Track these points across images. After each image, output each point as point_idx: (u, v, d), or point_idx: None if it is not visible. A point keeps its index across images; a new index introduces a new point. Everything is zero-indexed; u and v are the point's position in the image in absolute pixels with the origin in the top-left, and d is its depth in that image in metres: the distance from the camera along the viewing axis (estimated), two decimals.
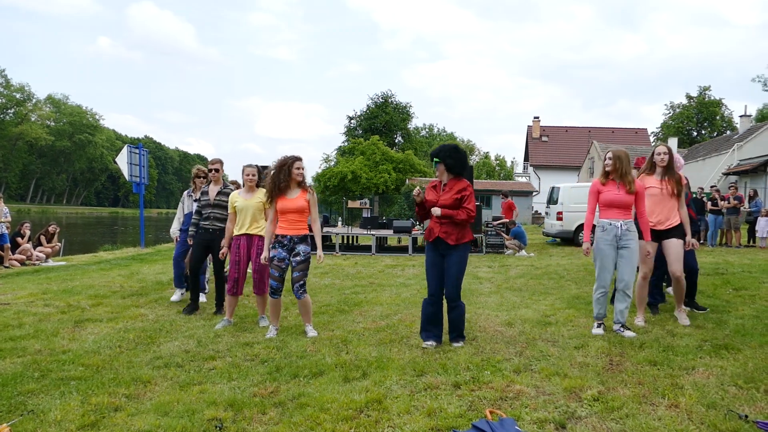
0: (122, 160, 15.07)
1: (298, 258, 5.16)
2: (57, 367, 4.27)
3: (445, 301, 4.83)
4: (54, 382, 3.92)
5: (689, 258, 5.92)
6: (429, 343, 4.75)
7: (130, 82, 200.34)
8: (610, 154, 5.12)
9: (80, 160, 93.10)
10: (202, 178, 6.91)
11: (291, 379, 3.97)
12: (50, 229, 12.40)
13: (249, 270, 5.90)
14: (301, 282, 5.18)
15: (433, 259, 4.77)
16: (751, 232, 15.24)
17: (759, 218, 14.60)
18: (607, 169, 5.09)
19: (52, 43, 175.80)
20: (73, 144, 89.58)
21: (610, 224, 5.03)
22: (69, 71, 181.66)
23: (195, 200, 6.51)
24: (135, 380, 3.96)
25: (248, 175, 5.76)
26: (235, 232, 5.79)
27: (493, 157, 68.38)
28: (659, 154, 5.56)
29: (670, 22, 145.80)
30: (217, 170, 6.40)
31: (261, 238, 5.70)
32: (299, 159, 5.19)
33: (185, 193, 7.35)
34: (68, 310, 6.43)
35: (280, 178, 5.10)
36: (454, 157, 4.76)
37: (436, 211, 4.67)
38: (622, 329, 5.05)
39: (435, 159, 4.80)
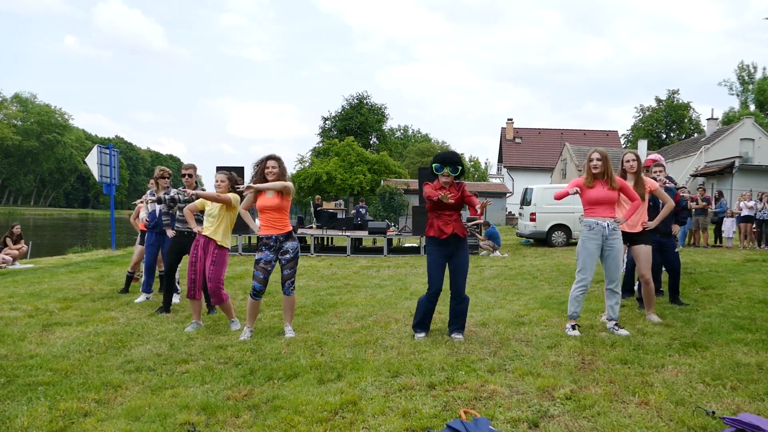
0: (92, 161, 14.82)
1: (287, 256, 5.17)
2: (24, 372, 4.17)
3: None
4: (21, 388, 3.83)
5: (672, 258, 6.37)
6: (422, 335, 5.06)
7: (100, 81, 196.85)
8: (597, 155, 5.02)
9: (48, 161, 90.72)
10: (166, 179, 6.82)
11: (265, 381, 3.94)
12: (14, 230, 12.06)
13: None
14: (292, 279, 5.21)
15: (439, 260, 5.02)
16: (718, 233, 15.61)
17: (725, 219, 14.98)
18: (595, 171, 5.01)
19: (18, 41, 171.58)
20: (41, 144, 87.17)
21: (597, 223, 5.04)
22: (36, 70, 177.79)
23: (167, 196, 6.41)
24: (105, 385, 3.89)
25: (216, 180, 5.66)
26: (201, 231, 5.63)
27: (467, 159, 68.74)
28: (628, 161, 5.68)
29: (633, 27, 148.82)
30: (190, 175, 6.34)
31: (216, 243, 5.55)
32: (271, 158, 5.15)
33: (147, 193, 7.25)
34: (36, 314, 6.28)
35: (258, 176, 5.13)
36: (462, 164, 5.07)
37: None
38: (616, 327, 5.09)
39: (449, 167, 4.95)
